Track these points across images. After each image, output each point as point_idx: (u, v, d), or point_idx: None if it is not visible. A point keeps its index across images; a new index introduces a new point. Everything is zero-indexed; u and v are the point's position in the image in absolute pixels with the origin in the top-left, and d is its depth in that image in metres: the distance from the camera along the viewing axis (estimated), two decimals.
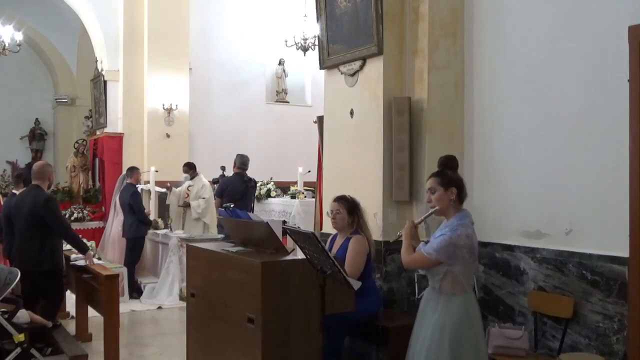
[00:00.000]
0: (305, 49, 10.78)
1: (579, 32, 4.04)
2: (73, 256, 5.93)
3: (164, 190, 9.74)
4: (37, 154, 15.31)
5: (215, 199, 8.68)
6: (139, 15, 10.63)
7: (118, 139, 10.70)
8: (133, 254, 8.43)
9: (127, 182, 8.67)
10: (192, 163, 9.17)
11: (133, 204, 8.29)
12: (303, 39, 10.71)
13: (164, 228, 9.07)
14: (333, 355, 4.05)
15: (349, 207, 4.42)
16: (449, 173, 3.34)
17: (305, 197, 9.74)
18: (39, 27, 14.03)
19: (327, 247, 4.50)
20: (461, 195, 3.31)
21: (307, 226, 7.96)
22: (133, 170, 8.72)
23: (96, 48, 11.12)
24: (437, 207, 3.30)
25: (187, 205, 8.80)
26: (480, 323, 3.30)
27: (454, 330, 3.17)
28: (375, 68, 4.88)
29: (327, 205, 5.23)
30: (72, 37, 14.01)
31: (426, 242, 3.34)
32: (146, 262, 8.92)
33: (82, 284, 5.93)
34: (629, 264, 3.50)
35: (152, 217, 9.13)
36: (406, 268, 3.56)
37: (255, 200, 9.78)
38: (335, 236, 4.60)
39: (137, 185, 8.66)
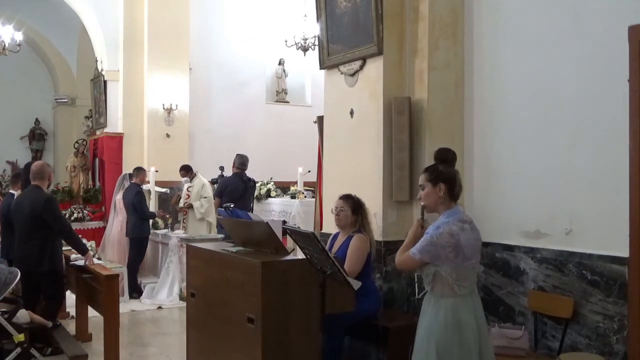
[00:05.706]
0: (305, 49, 10.75)
1: (579, 32, 4.04)
2: (73, 256, 5.92)
3: (164, 190, 9.74)
4: (37, 154, 15.27)
5: (214, 199, 8.69)
6: (139, 15, 10.61)
7: (118, 139, 10.68)
8: (137, 253, 8.45)
9: (132, 182, 8.67)
10: (188, 165, 9.14)
11: (136, 203, 8.29)
12: (303, 39, 10.68)
13: (164, 228, 9.07)
14: (333, 355, 4.05)
15: (354, 206, 4.43)
16: (438, 168, 3.06)
17: (305, 197, 9.72)
18: (39, 27, 13.99)
19: (327, 245, 4.51)
20: (452, 192, 3.04)
21: (307, 226, 7.95)
22: (139, 170, 8.72)
23: (96, 48, 11.10)
24: (424, 204, 3.09)
25: (189, 207, 8.80)
26: (474, 327, 2.98)
27: (441, 335, 2.96)
28: (375, 68, 4.88)
29: (327, 205, 5.24)
30: (72, 37, 13.99)
31: None
32: (146, 262, 8.91)
33: (82, 284, 5.92)
34: (629, 264, 3.51)
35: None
36: (397, 269, 3.40)
37: (255, 200, 9.77)
38: (336, 235, 4.60)
39: (141, 186, 8.66)
